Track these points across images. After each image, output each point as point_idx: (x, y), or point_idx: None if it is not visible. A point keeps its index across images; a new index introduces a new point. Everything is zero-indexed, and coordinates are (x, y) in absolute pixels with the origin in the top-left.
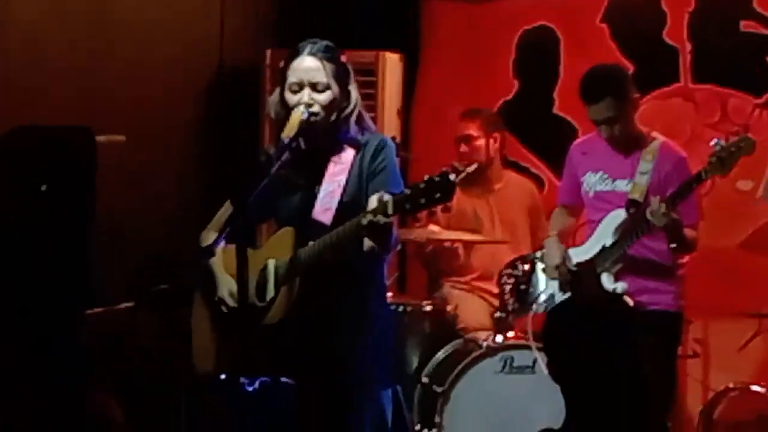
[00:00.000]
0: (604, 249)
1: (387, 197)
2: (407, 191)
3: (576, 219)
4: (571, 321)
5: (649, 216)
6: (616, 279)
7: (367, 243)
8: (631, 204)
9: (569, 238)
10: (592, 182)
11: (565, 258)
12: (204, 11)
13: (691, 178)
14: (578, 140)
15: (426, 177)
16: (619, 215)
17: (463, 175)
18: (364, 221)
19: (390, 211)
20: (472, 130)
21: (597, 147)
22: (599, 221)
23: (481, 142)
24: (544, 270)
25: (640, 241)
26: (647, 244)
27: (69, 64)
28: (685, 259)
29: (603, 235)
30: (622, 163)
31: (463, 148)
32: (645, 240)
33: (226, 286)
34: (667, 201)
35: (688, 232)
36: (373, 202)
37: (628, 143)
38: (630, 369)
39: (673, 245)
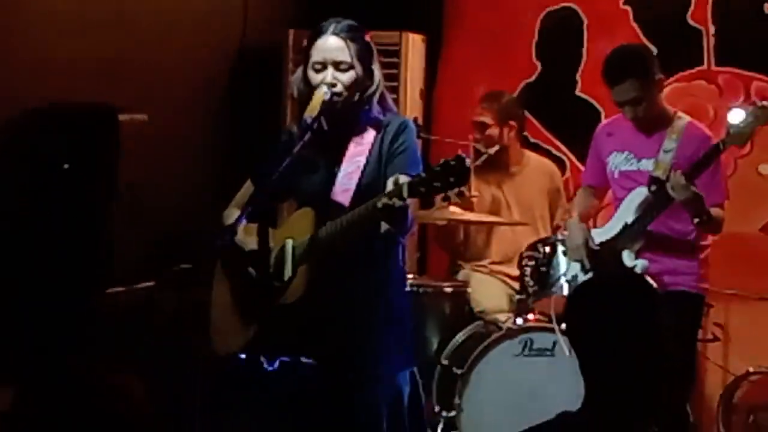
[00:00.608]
0: (626, 227)
1: (402, 180)
2: (422, 175)
3: (599, 201)
4: (592, 300)
5: (670, 190)
6: (637, 257)
7: (384, 225)
8: (653, 181)
9: (591, 220)
10: (618, 162)
11: (588, 238)
12: None
13: (710, 149)
14: (604, 121)
15: (442, 161)
16: (642, 193)
17: (484, 157)
18: (380, 204)
19: (405, 194)
20: (487, 119)
21: (622, 127)
22: (622, 200)
23: (494, 131)
24: (564, 252)
25: (664, 221)
26: (670, 224)
27: (92, 43)
28: (708, 240)
29: (625, 213)
30: (647, 143)
31: (477, 134)
32: (668, 220)
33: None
34: (687, 174)
35: (714, 211)
36: (389, 184)
37: (654, 123)
38: (652, 349)
39: (697, 220)
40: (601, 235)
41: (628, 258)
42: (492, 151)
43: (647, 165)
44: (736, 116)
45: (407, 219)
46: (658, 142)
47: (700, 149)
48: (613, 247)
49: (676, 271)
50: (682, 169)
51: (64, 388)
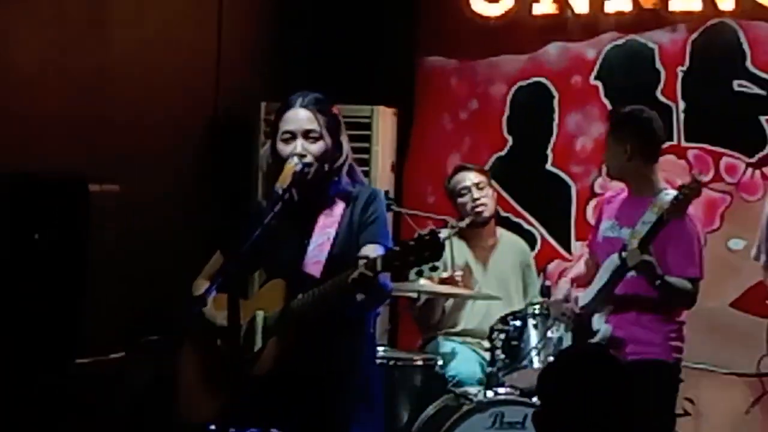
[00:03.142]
0: (599, 291)
1: (376, 253)
2: (396, 249)
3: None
4: (557, 375)
5: (624, 255)
6: (607, 320)
7: (359, 295)
8: (623, 249)
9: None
10: (603, 229)
11: (570, 296)
12: (199, 64)
13: (655, 221)
14: (610, 191)
15: (416, 234)
16: (614, 260)
17: (455, 230)
18: (353, 276)
19: (379, 268)
20: (483, 179)
21: (619, 197)
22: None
23: (491, 192)
24: (535, 326)
25: (635, 287)
26: (640, 291)
27: (65, 114)
28: (682, 315)
29: (600, 279)
30: (633, 212)
31: (477, 194)
32: (638, 287)
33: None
34: (640, 242)
35: (678, 281)
36: (364, 253)
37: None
38: (617, 421)
39: (656, 284)
40: (583, 299)
41: (596, 322)
42: (463, 224)
43: (626, 233)
44: (673, 193)
45: (385, 288)
46: (641, 212)
47: (673, 225)
48: (588, 310)
49: (640, 339)
50: (660, 248)
51: None
